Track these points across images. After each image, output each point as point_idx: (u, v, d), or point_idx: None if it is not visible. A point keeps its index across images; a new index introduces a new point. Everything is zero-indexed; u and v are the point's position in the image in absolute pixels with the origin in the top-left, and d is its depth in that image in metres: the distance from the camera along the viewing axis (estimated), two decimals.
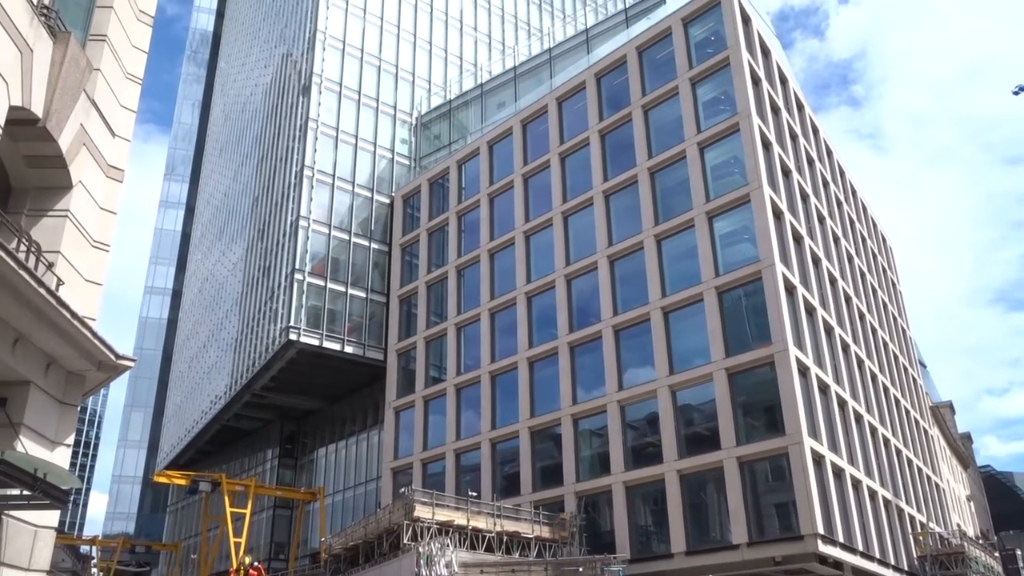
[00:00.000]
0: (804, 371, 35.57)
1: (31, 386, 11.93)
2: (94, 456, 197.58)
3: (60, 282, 12.55)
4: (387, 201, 57.56)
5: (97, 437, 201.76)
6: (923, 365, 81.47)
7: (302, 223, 52.70)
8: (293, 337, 49.83)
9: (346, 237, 54.72)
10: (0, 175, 12.92)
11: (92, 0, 14.58)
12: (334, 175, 55.20)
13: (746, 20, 42.52)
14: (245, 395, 59.19)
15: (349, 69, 58.56)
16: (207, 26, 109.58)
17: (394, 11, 63.06)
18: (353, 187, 56.05)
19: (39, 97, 12.17)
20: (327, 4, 58.92)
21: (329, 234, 53.81)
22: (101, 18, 14.56)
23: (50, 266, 12.49)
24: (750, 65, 40.74)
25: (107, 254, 14.34)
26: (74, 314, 11.50)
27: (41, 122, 12.31)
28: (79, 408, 13.60)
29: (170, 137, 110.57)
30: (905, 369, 57.35)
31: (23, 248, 11.90)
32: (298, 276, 51.40)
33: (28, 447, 11.75)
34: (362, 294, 54.40)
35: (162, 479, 55.26)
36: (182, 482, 54.67)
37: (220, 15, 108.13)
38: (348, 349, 52.26)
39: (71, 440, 13.12)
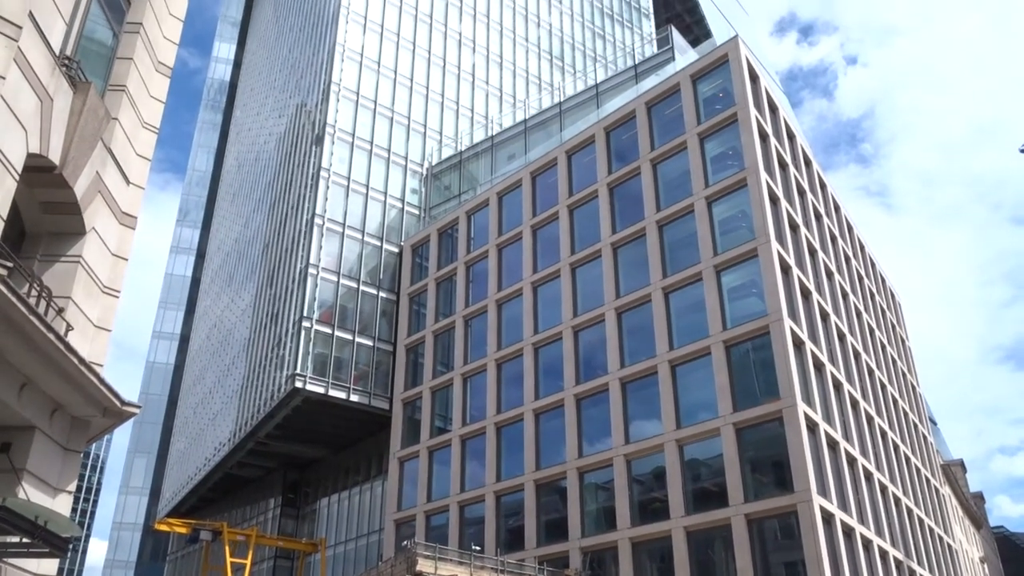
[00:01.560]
0: (813, 427, 35.22)
1: (36, 431, 11.91)
2: (95, 502, 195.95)
3: (69, 327, 12.61)
4: (396, 250, 57.89)
5: (99, 483, 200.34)
6: (933, 422, 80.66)
7: (311, 271, 52.96)
8: (299, 384, 49.70)
9: (355, 285, 54.93)
10: (15, 220, 13.07)
11: (113, 51, 14.89)
12: (344, 224, 55.63)
13: (754, 78, 43.11)
14: (249, 442, 58.86)
15: (362, 120, 59.42)
16: (224, 76, 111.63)
17: (407, 64, 64.18)
18: (363, 236, 56.44)
19: (57, 145, 12.38)
20: (342, 57, 60.06)
21: (338, 282, 54.03)
22: (121, 69, 14.86)
23: (60, 311, 12.56)
24: (758, 121, 41.18)
25: (117, 300, 14.42)
26: (82, 360, 11.53)
27: (58, 169, 12.50)
28: (82, 454, 13.54)
29: (184, 183, 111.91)
30: (915, 426, 56.72)
31: (34, 293, 11.98)
32: (305, 323, 51.48)
33: (30, 493, 11.68)
34: (369, 342, 54.38)
35: (163, 527, 54.60)
36: (183, 530, 53.99)
37: (237, 65, 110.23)
38: (354, 398, 52.07)
39: (73, 487, 13.04)
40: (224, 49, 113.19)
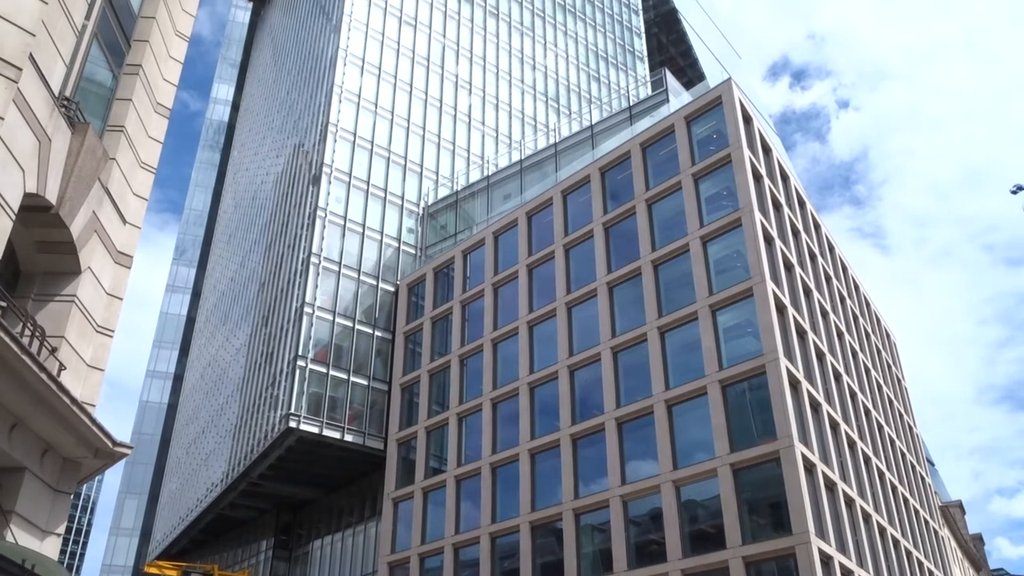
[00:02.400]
0: (810, 468, 34.99)
1: (26, 473, 11.79)
2: (85, 544, 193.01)
3: (62, 367, 12.55)
4: (392, 289, 57.91)
5: (89, 524, 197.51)
6: (931, 463, 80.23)
7: (307, 310, 52.90)
8: (293, 424, 49.34)
9: (350, 324, 54.83)
10: (10, 259, 13.08)
11: (112, 92, 15.04)
12: (340, 263, 55.72)
13: (747, 119, 43.60)
14: (242, 483, 58.24)
15: (359, 160, 59.84)
16: (223, 117, 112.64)
17: (404, 105, 64.83)
18: (359, 275, 56.49)
19: (54, 185, 12.43)
20: (340, 98, 60.67)
21: (333, 321, 53.94)
22: (120, 110, 15.00)
23: (53, 351, 12.51)
24: (751, 162, 41.57)
25: (111, 339, 14.38)
26: (74, 400, 11.46)
27: (54, 209, 12.54)
28: (72, 495, 13.39)
29: (181, 222, 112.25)
30: (913, 467, 56.40)
31: (27, 333, 11.94)
32: (300, 362, 51.27)
33: (18, 536, 11.52)
34: (364, 382, 54.14)
35: (153, 569, 53.92)
36: (173, 572, 53.31)
37: (236, 107, 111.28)
38: (348, 437, 51.67)
39: (62, 529, 12.87)
40: (223, 90, 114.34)
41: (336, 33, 64.83)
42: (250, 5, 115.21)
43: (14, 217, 11.34)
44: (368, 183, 59.65)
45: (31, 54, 11.50)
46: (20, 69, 11.18)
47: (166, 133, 16.74)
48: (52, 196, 12.40)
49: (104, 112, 14.75)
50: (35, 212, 12.43)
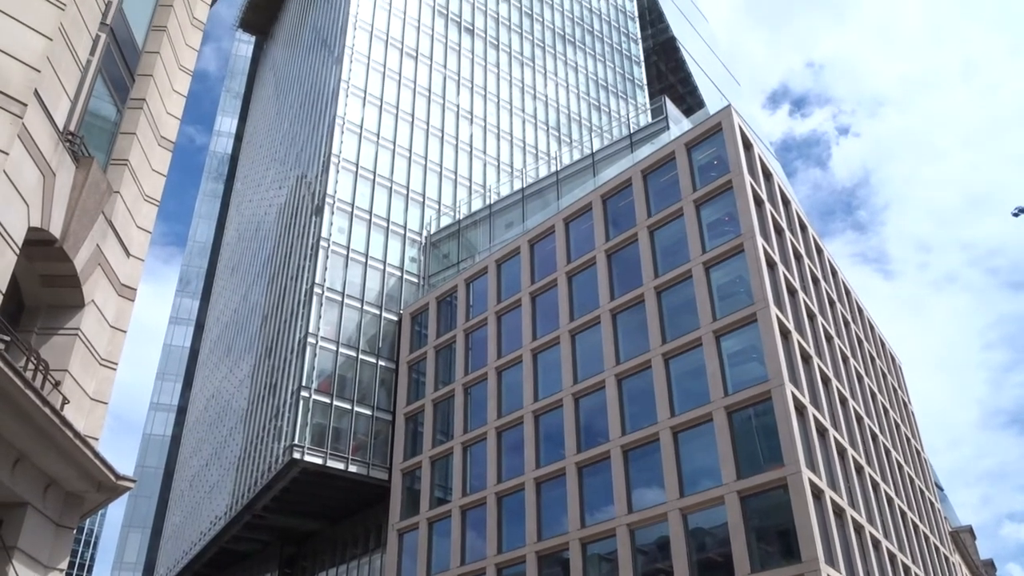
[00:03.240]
0: (818, 494, 34.69)
1: (28, 508, 11.72)
2: None
3: (65, 401, 12.52)
4: (395, 318, 57.88)
5: (92, 559, 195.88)
6: (940, 488, 79.50)
7: (310, 340, 52.85)
8: (297, 456, 49.09)
9: (353, 354, 54.74)
10: (14, 293, 13.10)
11: (116, 126, 15.15)
12: (343, 293, 55.76)
13: (747, 145, 43.79)
14: (245, 516, 57.82)
15: (361, 190, 60.11)
16: (226, 149, 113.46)
17: (406, 136, 65.24)
18: (362, 305, 56.50)
19: (58, 219, 12.49)
20: (342, 129, 61.08)
21: (337, 351, 53.87)
22: (124, 143, 15.10)
23: (56, 384, 12.49)
24: (752, 188, 41.68)
25: (115, 372, 14.36)
26: (77, 434, 11.42)
27: (58, 243, 12.58)
28: (75, 529, 13.29)
29: (184, 253, 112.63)
30: (922, 492, 55.89)
31: (31, 367, 11.93)
32: (304, 393, 51.13)
33: (20, 572, 11.43)
34: (368, 412, 53.94)
35: None
36: None
37: (239, 139, 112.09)
38: (352, 468, 51.37)
39: (65, 564, 12.77)
40: (226, 123, 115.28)
41: (338, 65, 65.43)
42: (253, 39, 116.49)
43: (18, 251, 11.37)
44: (371, 213, 59.87)
45: (36, 89, 11.60)
46: (25, 104, 11.28)
47: (173, 167, 16.85)
48: (56, 230, 12.45)
49: (108, 146, 14.85)
50: (39, 246, 12.47)
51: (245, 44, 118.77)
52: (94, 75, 13.70)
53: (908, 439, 57.98)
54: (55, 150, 12.24)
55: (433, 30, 73.12)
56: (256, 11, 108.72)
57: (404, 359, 55.70)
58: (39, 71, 11.61)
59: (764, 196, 43.20)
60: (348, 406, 52.95)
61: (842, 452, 40.59)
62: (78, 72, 13.05)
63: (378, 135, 63.33)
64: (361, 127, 62.49)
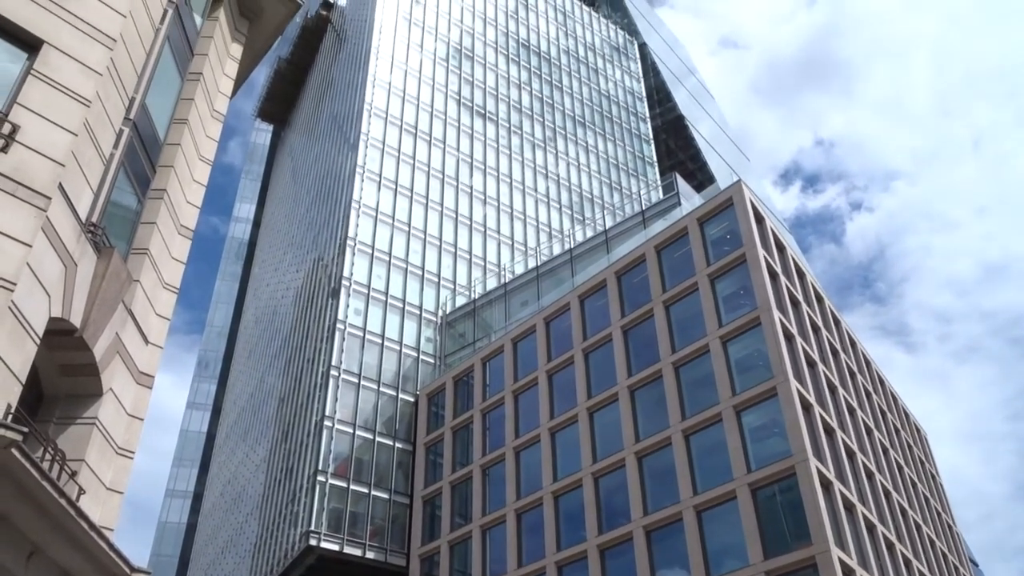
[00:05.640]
0: (849, 573, 33.61)
1: None
2: None
3: (81, 491, 12.44)
4: (412, 399, 57.60)
5: None
6: (975, 564, 76.90)
7: (326, 423, 52.56)
8: (313, 542, 48.25)
9: (370, 436, 54.31)
10: (34, 383, 13.17)
11: (138, 216, 15.45)
12: (360, 375, 55.68)
13: (759, 219, 44.06)
14: None
15: (377, 272, 60.67)
16: (244, 234, 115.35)
17: (421, 218, 66.15)
18: (378, 386, 56.34)
19: (79, 309, 12.64)
20: (358, 212, 62.06)
21: (353, 434, 53.48)
22: (144, 233, 15.36)
23: (73, 475, 12.44)
24: (766, 260, 41.75)
25: (131, 461, 14.29)
26: (92, 525, 11.30)
27: (78, 332, 12.70)
28: None
29: (202, 337, 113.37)
30: (956, 568, 54.05)
31: (48, 457, 11.91)
32: (320, 477, 50.57)
33: None
34: (385, 495, 53.19)
35: None
36: None
37: (257, 224, 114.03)
38: (370, 555, 50.37)
39: None
40: (245, 209, 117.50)
41: (353, 151, 66.87)
42: (271, 127, 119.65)
43: (39, 342, 11.48)
44: (387, 294, 60.26)
45: (60, 183, 11.91)
46: (49, 198, 11.56)
47: (198, 256, 17.22)
48: (76, 319, 12.59)
49: (129, 235, 15.11)
50: (59, 336, 12.59)
51: (264, 132, 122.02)
52: (117, 168, 14.06)
53: (939, 513, 56.40)
54: (77, 241, 12.48)
55: (446, 115, 74.88)
56: (274, 101, 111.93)
57: (421, 440, 55.19)
58: (64, 165, 11.94)
59: (778, 269, 43.22)
60: (365, 490, 52.26)
61: (871, 528, 39.49)
62: (101, 165, 13.41)
63: (393, 217, 64.24)
64: (377, 210, 63.46)
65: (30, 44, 12.67)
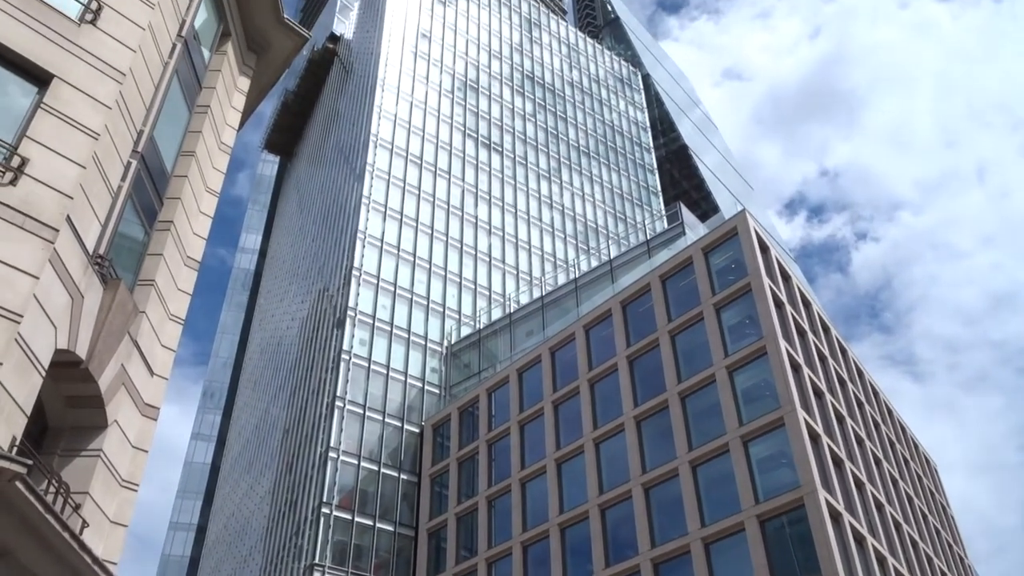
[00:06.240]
0: None
1: None
2: None
3: (85, 524, 12.35)
4: (417, 430, 57.32)
5: None
6: None
7: (331, 454, 52.29)
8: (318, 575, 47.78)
9: (375, 468, 53.98)
10: (39, 415, 13.13)
11: (144, 248, 15.49)
12: (365, 406, 55.49)
13: (764, 248, 44.05)
14: None
15: (382, 303, 60.71)
16: (250, 265, 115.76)
17: (426, 248, 66.33)
18: (383, 417, 56.12)
19: (84, 340, 12.63)
20: (363, 243, 62.26)
21: (358, 465, 53.17)
22: (151, 264, 15.39)
23: (77, 508, 12.36)
24: (772, 290, 41.67)
25: (135, 493, 14.20)
26: (96, 559, 11.20)
27: (84, 364, 12.68)
28: None
29: (208, 368, 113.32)
30: None
31: (52, 490, 11.84)
32: (325, 510, 50.20)
33: None
34: (390, 528, 52.74)
35: None
36: None
37: (263, 255, 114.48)
38: None
39: None
40: (251, 239, 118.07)
41: (359, 181, 67.26)
42: (277, 159, 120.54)
43: (44, 374, 11.47)
44: (391, 324, 60.23)
45: (68, 215, 11.96)
46: (57, 230, 11.61)
47: (206, 288, 17.23)
48: (82, 351, 12.58)
49: (135, 266, 15.14)
50: (65, 367, 12.57)
51: (270, 164, 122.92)
52: (124, 200, 14.13)
53: (950, 545, 55.67)
54: (84, 273, 12.51)
55: (451, 146, 75.39)
56: (281, 132, 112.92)
57: (426, 472, 54.83)
58: (72, 198, 12.01)
59: (784, 298, 43.13)
60: (370, 522, 51.85)
61: (882, 561, 38.97)
62: (109, 197, 13.48)
63: (399, 248, 64.41)
64: (382, 240, 63.66)
65: (41, 78, 12.80)
